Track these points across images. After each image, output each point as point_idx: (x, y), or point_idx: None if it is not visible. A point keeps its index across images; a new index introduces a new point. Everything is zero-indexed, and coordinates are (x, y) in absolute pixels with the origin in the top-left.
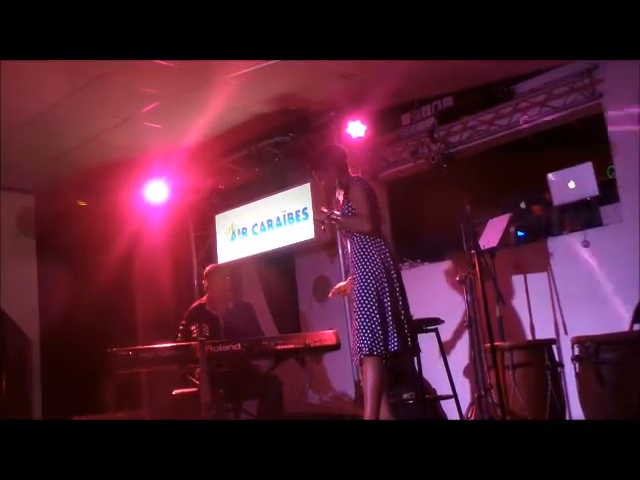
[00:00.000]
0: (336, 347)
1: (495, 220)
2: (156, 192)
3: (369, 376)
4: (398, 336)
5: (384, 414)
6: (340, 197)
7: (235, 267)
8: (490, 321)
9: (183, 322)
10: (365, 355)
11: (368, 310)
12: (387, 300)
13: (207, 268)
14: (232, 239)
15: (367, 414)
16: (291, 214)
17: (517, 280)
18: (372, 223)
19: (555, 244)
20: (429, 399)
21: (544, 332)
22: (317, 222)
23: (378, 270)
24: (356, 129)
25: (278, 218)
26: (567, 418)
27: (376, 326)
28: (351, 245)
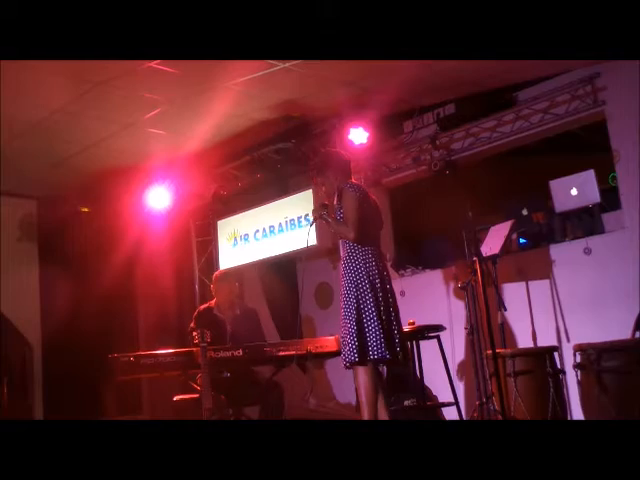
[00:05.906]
0: (337, 353)
1: (497, 227)
2: (158, 198)
3: (358, 384)
4: (382, 344)
5: (383, 418)
6: (335, 202)
7: (237, 273)
8: (492, 328)
9: (192, 325)
10: (350, 364)
11: (347, 318)
12: (369, 309)
13: (215, 273)
14: (234, 245)
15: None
16: (293, 220)
17: (519, 287)
18: (357, 232)
19: (557, 251)
20: (430, 406)
21: (546, 339)
22: (313, 215)
23: (360, 279)
24: (358, 136)
25: (280, 224)
26: None
27: (354, 335)
28: (341, 251)
